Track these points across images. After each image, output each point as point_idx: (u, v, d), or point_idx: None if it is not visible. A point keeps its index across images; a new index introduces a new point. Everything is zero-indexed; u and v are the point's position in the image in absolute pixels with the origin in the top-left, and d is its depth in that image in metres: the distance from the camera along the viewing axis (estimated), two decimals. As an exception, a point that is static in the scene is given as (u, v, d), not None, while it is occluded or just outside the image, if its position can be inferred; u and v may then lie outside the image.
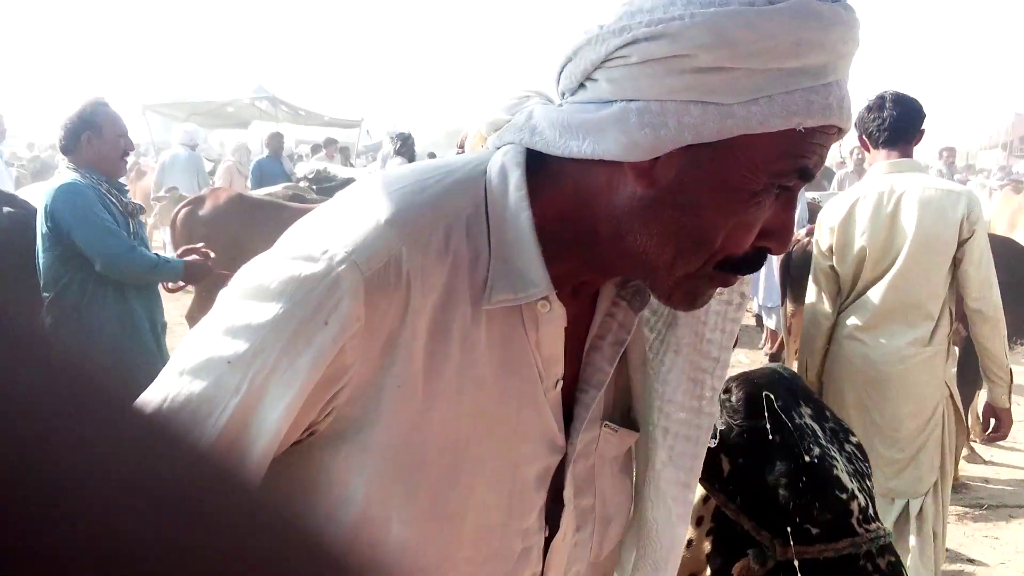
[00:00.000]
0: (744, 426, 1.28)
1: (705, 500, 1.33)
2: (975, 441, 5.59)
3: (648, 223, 0.83)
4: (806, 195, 7.09)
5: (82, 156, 3.31)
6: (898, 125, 3.10)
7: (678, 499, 0.99)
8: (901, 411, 3.01)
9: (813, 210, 6.80)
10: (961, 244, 2.96)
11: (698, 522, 1.35)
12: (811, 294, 3.22)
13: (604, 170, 0.83)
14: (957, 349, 5.84)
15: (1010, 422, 3.13)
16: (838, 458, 1.27)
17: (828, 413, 1.33)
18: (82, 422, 0.24)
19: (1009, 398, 3.08)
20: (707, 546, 1.34)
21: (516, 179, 0.85)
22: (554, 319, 0.87)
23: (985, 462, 5.31)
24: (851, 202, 3.11)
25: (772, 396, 1.28)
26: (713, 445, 1.00)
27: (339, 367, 0.78)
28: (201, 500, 0.24)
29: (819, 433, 1.28)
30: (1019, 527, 4.52)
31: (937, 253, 2.99)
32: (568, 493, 0.93)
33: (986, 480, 5.12)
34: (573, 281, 0.90)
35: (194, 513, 0.24)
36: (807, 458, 1.25)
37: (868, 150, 3.24)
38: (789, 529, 1.20)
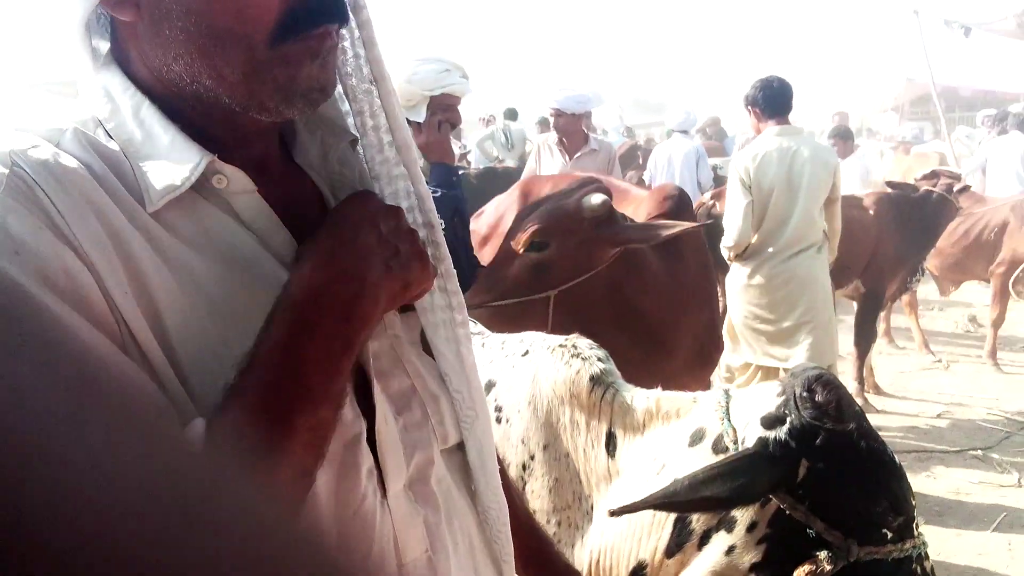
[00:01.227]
0: (831, 430, 1.23)
1: (763, 504, 1.27)
2: (868, 392, 5.88)
3: (168, 49, 0.76)
4: (710, 161, 7.23)
5: None
6: (781, 101, 4.37)
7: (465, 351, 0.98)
8: (811, 292, 4.32)
9: (718, 178, 6.97)
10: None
11: (750, 527, 1.28)
12: (733, 228, 4.31)
13: (120, 26, 0.80)
14: (856, 305, 6.12)
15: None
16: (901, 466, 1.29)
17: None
18: (81, 419, 0.23)
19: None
20: (754, 555, 1.28)
21: (118, 83, 0.80)
22: (239, 190, 0.81)
23: (877, 411, 5.57)
24: (759, 155, 4.30)
25: (857, 405, 1.28)
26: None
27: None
28: (198, 499, 0.24)
29: (883, 441, 1.29)
30: (909, 472, 4.77)
31: (823, 192, 4.30)
32: (371, 375, 0.88)
33: (878, 428, 5.36)
34: (244, 152, 0.83)
35: (190, 512, 0.23)
36: (892, 467, 1.26)
37: (759, 120, 4.42)
38: (866, 531, 1.21)
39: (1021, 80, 16.38)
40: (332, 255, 0.79)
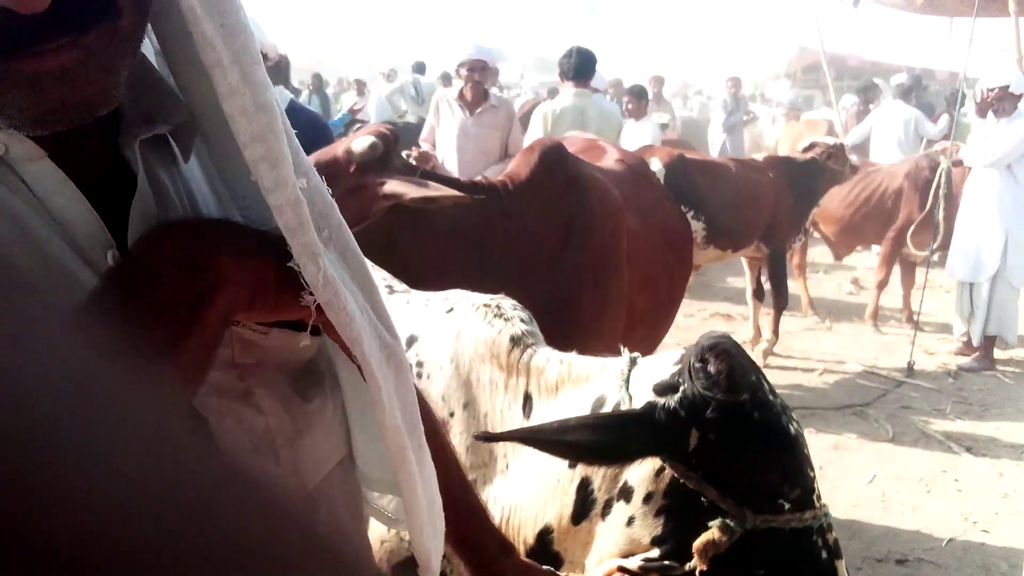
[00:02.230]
0: (722, 401, 1.21)
1: (657, 474, 1.26)
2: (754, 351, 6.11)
3: None
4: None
5: None
6: (581, 68, 5.39)
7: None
8: None
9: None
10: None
11: (646, 498, 1.28)
12: None
13: None
14: (748, 269, 6.34)
15: None
16: (802, 436, 1.27)
17: (772, 386, 1.30)
18: (87, 414, 0.23)
19: None
20: (654, 526, 1.27)
21: None
22: (23, 156, 0.71)
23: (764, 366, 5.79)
24: (557, 109, 5.37)
25: (755, 373, 1.24)
26: None
27: None
28: (207, 496, 0.24)
29: (782, 409, 1.26)
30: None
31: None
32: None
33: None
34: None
35: (200, 508, 0.23)
36: (787, 437, 1.23)
37: (563, 81, 5.49)
38: (760, 500, 1.19)
39: (905, 51, 17.04)
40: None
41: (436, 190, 2.69)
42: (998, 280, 5.99)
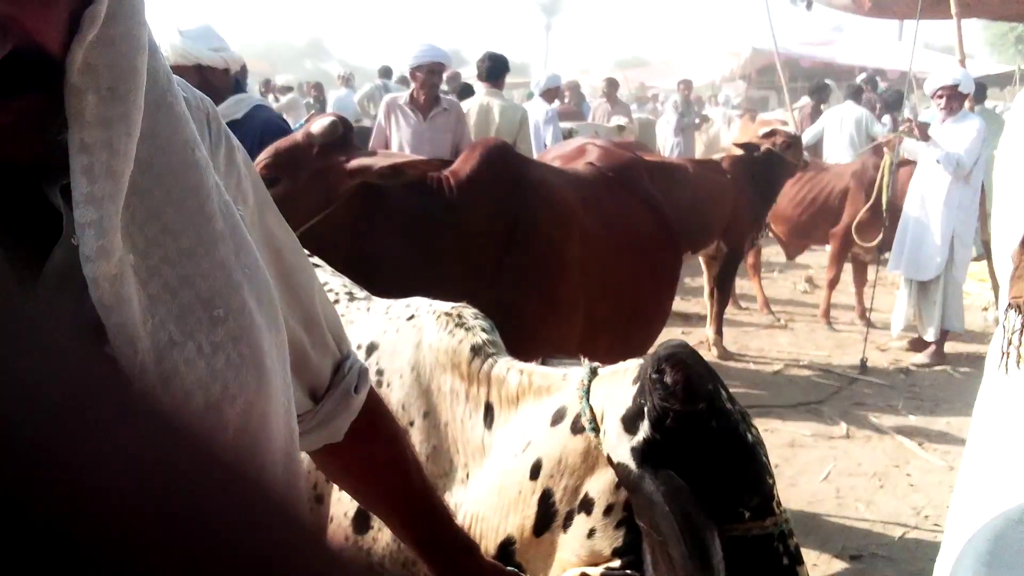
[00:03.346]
0: (680, 411, 1.21)
1: (618, 486, 1.27)
2: (712, 350, 6.19)
3: None
4: (561, 125, 7.33)
5: None
6: (493, 70, 6.08)
7: None
8: None
9: (567, 137, 7.10)
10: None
11: (607, 510, 1.29)
12: None
13: None
14: (705, 266, 6.41)
15: None
16: (761, 443, 1.27)
17: (731, 394, 1.30)
18: (88, 414, 0.23)
19: None
20: (614, 538, 1.27)
21: None
22: None
23: (721, 368, 5.88)
24: (472, 107, 5.92)
25: (712, 381, 1.24)
26: None
27: None
28: (209, 494, 0.24)
29: (740, 418, 1.26)
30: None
31: (509, 136, 5.54)
32: None
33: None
34: None
35: (202, 507, 0.24)
36: (745, 445, 1.23)
37: (480, 81, 6.20)
38: (720, 509, 1.19)
39: (857, 52, 17.33)
40: None
41: (402, 158, 2.68)
42: (946, 277, 6.13)
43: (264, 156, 2.66)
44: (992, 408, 1.85)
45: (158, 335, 0.73)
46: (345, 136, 2.71)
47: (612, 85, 11.45)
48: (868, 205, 6.68)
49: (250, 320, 0.82)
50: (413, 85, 5.36)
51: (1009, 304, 1.70)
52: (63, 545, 0.21)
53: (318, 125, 2.68)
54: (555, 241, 3.12)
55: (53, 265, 0.72)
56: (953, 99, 6.00)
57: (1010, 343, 1.72)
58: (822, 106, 10.69)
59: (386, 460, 1.19)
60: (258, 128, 3.35)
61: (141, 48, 0.73)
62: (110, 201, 0.70)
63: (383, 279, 2.52)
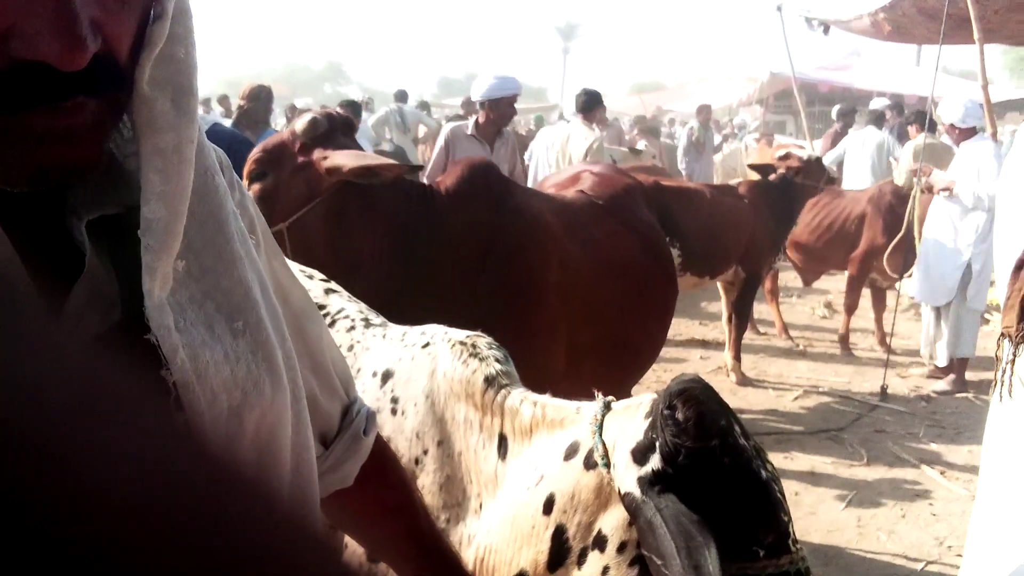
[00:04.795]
0: (692, 448, 1.20)
1: (631, 523, 1.25)
2: (730, 376, 6.14)
3: None
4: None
5: None
6: (587, 103, 6.76)
7: None
8: None
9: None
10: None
11: (620, 548, 1.27)
12: None
13: None
14: (724, 291, 6.38)
15: None
16: (776, 479, 1.25)
17: (745, 428, 1.29)
18: (94, 419, 0.23)
19: None
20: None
21: None
22: None
23: (738, 396, 5.82)
24: (560, 134, 6.37)
25: (725, 417, 1.23)
26: None
27: None
28: (215, 502, 0.24)
29: (754, 454, 1.25)
30: (768, 454, 5.02)
31: (578, 156, 6.03)
32: None
33: (739, 411, 5.61)
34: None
35: (208, 515, 0.24)
36: (758, 482, 1.22)
37: (577, 112, 6.80)
38: (734, 547, 1.17)
39: (876, 77, 17.31)
40: None
41: (372, 160, 2.70)
42: (958, 303, 6.08)
43: (254, 152, 2.72)
44: (997, 437, 1.84)
45: (191, 334, 0.76)
46: (329, 133, 2.74)
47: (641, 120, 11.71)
48: (899, 237, 6.62)
49: (267, 336, 0.84)
50: (480, 115, 5.30)
51: (1001, 334, 1.69)
52: (65, 547, 0.21)
53: (300, 122, 2.73)
54: (533, 265, 3.11)
55: (74, 304, 0.72)
56: (960, 134, 6.10)
57: (1004, 372, 1.71)
58: (848, 130, 10.66)
59: (396, 504, 1.18)
60: (226, 139, 3.77)
61: (196, 68, 0.78)
62: (179, 201, 0.75)
63: (359, 279, 2.56)
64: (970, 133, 6.08)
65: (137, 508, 0.22)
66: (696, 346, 7.13)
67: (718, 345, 6.90)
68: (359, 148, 2.97)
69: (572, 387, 1.55)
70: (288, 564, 0.25)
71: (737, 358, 6.19)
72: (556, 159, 6.29)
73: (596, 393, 1.41)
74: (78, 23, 0.61)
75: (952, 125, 6.12)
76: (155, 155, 0.74)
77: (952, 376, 6.15)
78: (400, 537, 1.19)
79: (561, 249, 3.23)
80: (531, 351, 2.94)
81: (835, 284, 8.86)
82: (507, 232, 3.07)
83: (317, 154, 2.71)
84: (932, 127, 7.50)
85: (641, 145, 9.30)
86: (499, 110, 5.26)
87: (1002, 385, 1.68)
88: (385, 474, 1.17)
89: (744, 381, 6.14)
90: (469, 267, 2.99)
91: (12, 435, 0.21)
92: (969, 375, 6.17)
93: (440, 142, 5.46)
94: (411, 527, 1.18)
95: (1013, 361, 1.64)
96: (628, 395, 1.47)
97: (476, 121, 5.33)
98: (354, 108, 7.13)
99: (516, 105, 5.60)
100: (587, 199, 3.68)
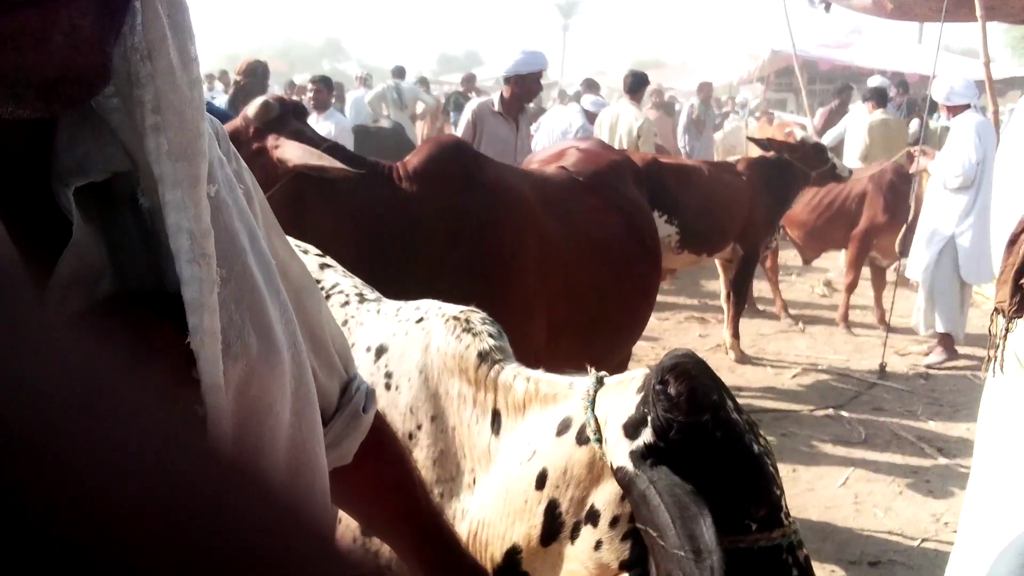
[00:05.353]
0: (684, 423, 1.19)
1: (623, 497, 1.25)
2: (730, 353, 6.15)
3: None
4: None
5: None
6: (634, 84, 7.48)
7: None
8: None
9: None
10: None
11: (612, 522, 1.27)
12: None
13: None
14: (721, 268, 6.37)
15: None
16: (769, 453, 1.25)
17: (737, 403, 1.29)
18: (93, 414, 0.23)
19: None
20: (622, 551, 1.26)
21: None
22: None
23: (737, 373, 5.83)
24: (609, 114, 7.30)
25: (718, 392, 1.23)
26: None
27: None
28: (216, 498, 0.24)
29: (746, 428, 1.24)
30: (767, 432, 5.03)
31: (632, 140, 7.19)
32: None
33: (738, 390, 5.61)
34: None
35: (209, 512, 0.24)
36: (750, 456, 1.21)
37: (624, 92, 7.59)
38: (726, 521, 1.16)
39: (876, 55, 17.20)
40: None
41: (321, 159, 2.68)
42: (934, 279, 6.10)
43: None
44: (991, 412, 1.85)
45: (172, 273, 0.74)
46: (283, 118, 2.73)
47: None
48: (911, 220, 6.61)
49: (252, 284, 0.81)
50: (505, 90, 5.19)
51: (995, 308, 1.69)
52: (66, 547, 0.21)
53: (252, 107, 2.72)
54: (506, 241, 3.09)
55: (60, 276, 0.70)
56: (951, 109, 6.16)
57: (998, 347, 1.72)
58: (846, 108, 10.61)
59: (394, 481, 1.18)
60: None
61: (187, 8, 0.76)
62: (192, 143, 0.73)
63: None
64: (961, 110, 6.09)
65: (137, 507, 0.22)
66: (695, 324, 7.13)
67: (717, 323, 6.90)
68: (311, 132, 2.94)
69: (551, 363, 1.54)
70: (287, 563, 0.25)
71: (736, 336, 6.19)
72: (607, 139, 6.71)
73: (589, 368, 1.40)
74: None
75: (941, 104, 6.24)
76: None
77: (937, 349, 6.20)
78: (399, 514, 1.18)
79: (537, 225, 3.22)
80: (508, 327, 2.96)
81: (834, 263, 8.86)
82: (479, 209, 3.05)
83: (270, 141, 2.69)
84: (934, 107, 7.46)
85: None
86: (525, 85, 5.13)
87: (995, 360, 1.69)
88: (383, 451, 1.16)
89: (743, 359, 6.14)
90: (440, 246, 2.98)
91: (10, 433, 0.21)
92: (967, 352, 6.17)
93: (467, 118, 5.35)
94: (409, 504, 1.18)
95: (1006, 336, 1.64)
96: (616, 371, 1.46)
97: (501, 96, 5.21)
98: (326, 83, 7.08)
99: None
100: (568, 175, 3.66)
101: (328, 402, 1.05)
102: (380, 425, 1.16)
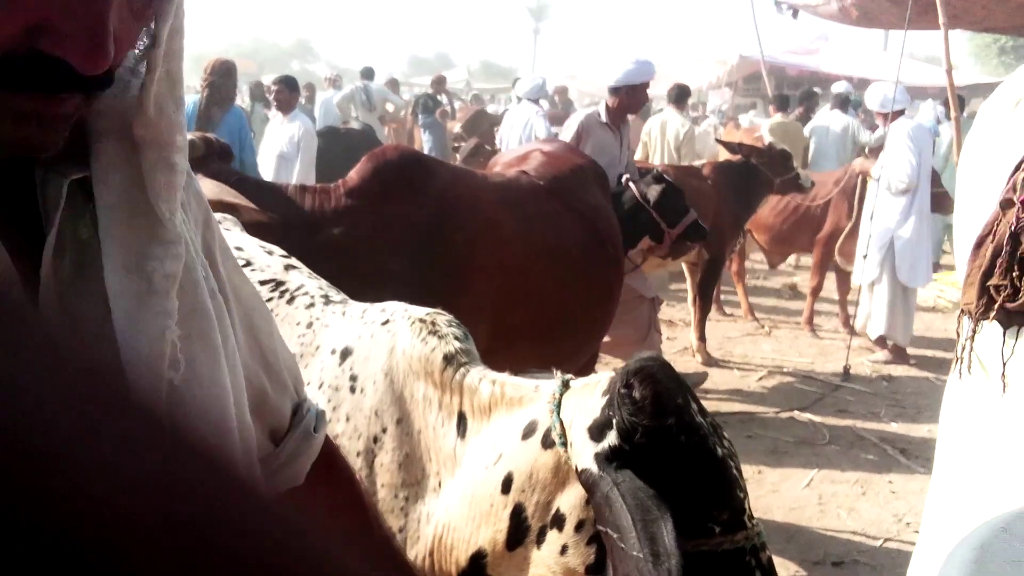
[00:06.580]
0: (648, 426, 1.20)
1: (587, 501, 1.25)
2: (696, 356, 6.18)
3: None
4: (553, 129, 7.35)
5: None
6: (679, 96, 7.88)
7: None
8: None
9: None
10: None
11: (577, 526, 1.27)
12: None
13: None
14: (688, 273, 6.41)
15: None
16: (733, 456, 1.26)
17: (702, 406, 1.29)
18: (91, 421, 0.23)
19: None
20: (587, 555, 1.26)
21: None
22: None
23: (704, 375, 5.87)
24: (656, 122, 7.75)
25: (682, 395, 1.23)
26: None
27: None
28: (212, 501, 0.24)
29: (710, 431, 1.25)
30: (732, 434, 5.07)
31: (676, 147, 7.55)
32: None
33: (704, 392, 5.65)
34: None
35: (202, 514, 0.24)
36: (714, 460, 1.22)
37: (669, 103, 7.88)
38: (690, 524, 1.17)
39: (842, 61, 17.40)
40: None
41: (236, 198, 2.71)
42: (886, 282, 6.21)
43: None
44: (953, 414, 1.87)
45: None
46: (205, 158, 2.78)
47: (561, 92, 11.80)
48: (852, 223, 6.72)
49: (195, 282, 0.83)
50: (611, 100, 4.94)
51: (961, 310, 1.71)
52: (66, 553, 0.21)
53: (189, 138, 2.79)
54: (457, 248, 3.10)
55: (44, 273, 0.71)
56: (887, 116, 6.27)
57: (964, 349, 1.73)
58: (811, 113, 10.71)
59: (346, 501, 1.18)
60: None
61: (181, 81, 0.81)
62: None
63: None
64: (896, 116, 6.21)
65: (136, 514, 0.22)
66: (662, 326, 7.16)
67: (684, 326, 6.94)
68: (234, 175, 2.95)
69: (506, 367, 1.54)
70: (285, 561, 0.25)
71: (702, 339, 6.23)
72: (655, 145, 7.56)
73: (555, 371, 1.40)
74: (109, 37, 0.65)
75: (877, 112, 6.42)
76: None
77: (884, 351, 6.33)
78: (352, 535, 1.18)
79: (492, 231, 3.21)
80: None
81: (799, 266, 8.95)
82: (423, 219, 3.06)
83: (200, 175, 2.70)
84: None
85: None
86: (635, 96, 4.94)
87: (961, 362, 1.70)
88: (334, 473, 1.16)
89: (709, 361, 6.18)
90: (379, 257, 2.99)
91: (10, 442, 0.21)
92: (928, 355, 6.26)
93: (573, 128, 5.02)
94: (364, 524, 1.17)
95: (972, 338, 1.66)
96: (581, 373, 1.46)
97: (607, 106, 4.96)
98: (288, 83, 7.05)
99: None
100: (528, 180, 3.64)
101: (280, 423, 1.05)
102: (331, 448, 1.16)
